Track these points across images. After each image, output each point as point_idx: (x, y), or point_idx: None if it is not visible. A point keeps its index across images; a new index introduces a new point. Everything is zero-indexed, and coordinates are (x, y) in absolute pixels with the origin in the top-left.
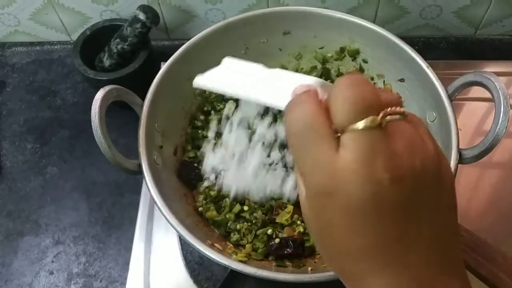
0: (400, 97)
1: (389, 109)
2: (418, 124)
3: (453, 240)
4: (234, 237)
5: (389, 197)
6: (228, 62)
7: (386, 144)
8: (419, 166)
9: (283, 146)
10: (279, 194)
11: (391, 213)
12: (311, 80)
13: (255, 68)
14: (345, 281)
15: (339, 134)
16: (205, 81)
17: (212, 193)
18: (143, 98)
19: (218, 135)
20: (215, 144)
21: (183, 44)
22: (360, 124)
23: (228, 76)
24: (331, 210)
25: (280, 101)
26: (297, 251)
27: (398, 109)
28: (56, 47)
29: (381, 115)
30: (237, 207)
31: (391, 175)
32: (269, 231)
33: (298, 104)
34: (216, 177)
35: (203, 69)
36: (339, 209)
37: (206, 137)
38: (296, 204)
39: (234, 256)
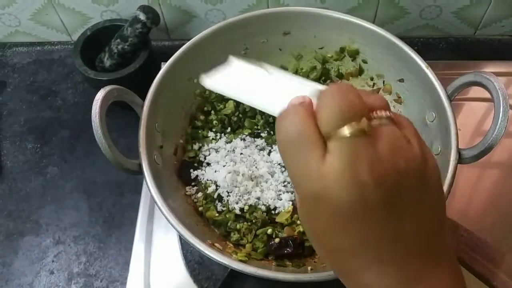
0: (386, 100)
1: (374, 113)
2: (405, 125)
3: (440, 233)
4: (234, 236)
5: (373, 199)
6: (234, 63)
7: (370, 148)
8: (403, 167)
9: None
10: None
11: (375, 213)
12: (309, 91)
13: (259, 73)
14: (340, 277)
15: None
16: (212, 83)
17: (211, 191)
18: (143, 98)
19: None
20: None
21: (183, 44)
22: (345, 130)
23: (233, 79)
24: (320, 212)
25: (277, 110)
26: (297, 250)
27: (383, 113)
28: (56, 47)
29: (364, 120)
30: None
31: (374, 178)
32: (269, 231)
33: (289, 113)
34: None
35: (203, 69)
36: (327, 212)
37: (207, 137)
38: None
39: (234, 255)
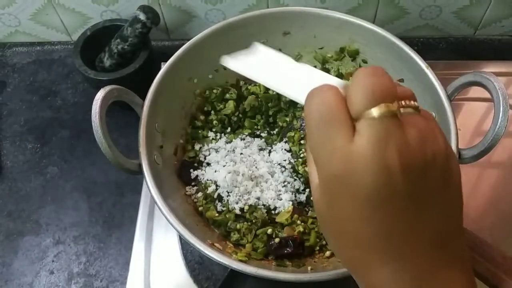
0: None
1: (404, 101)
2: (431, 120)
3: (457, 234)
4: (234, 236)
5: (399, 184)
6: (258, 48)
7: (400, 132)
8: (430, 157)
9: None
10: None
11: (399, 200)
12: (335, 81)
13: (283, 59)
14: (352, 271)
15: (355, 123)
16: (234, 62)
17: (211, 191)
18: (143, 98)
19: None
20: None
21: (183, 44)
22: (376, 111)
23: (256, 62)
24: (343, 195)
25: (301, 95)
26: (297, 250)
27: (412, 103)
28: (56, 47)
29: (396, 104)
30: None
31: (402, 164)
32: (269, 231)
33: (319, 92)
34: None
35: (203, 69)
36: (351, 194)
37: (207, 137)
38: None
39: (234, 255)
